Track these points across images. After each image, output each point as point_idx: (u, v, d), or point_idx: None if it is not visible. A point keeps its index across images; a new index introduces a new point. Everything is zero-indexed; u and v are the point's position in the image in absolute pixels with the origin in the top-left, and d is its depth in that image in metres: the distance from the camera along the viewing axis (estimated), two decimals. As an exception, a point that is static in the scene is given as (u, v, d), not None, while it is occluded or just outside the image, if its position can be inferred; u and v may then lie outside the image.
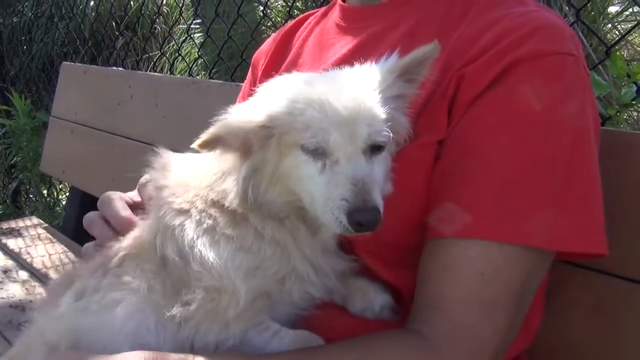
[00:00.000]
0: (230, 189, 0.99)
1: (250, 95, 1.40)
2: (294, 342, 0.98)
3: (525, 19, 1.02)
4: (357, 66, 1.03)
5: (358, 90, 0.96)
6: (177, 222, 1.00)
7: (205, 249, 0.96)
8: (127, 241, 1.06)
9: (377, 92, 0.97)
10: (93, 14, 5.21)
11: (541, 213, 0.96)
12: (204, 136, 0.94)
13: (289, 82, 1.03)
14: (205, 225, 0.98)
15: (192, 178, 1.06)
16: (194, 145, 0.95)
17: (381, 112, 0.95)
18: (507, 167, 0.97)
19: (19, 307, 2.17)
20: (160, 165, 1.12)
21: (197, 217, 0.99)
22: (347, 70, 1.03)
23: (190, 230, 0.98)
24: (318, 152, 0.92)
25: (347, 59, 1.10)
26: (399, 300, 1.08)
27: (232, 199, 0.99)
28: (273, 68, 1.40)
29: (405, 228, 1.04)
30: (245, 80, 1.55)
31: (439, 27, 1.11)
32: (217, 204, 1.00)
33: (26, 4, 6.13)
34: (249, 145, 0.97)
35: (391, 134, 0.95)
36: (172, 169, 1.10)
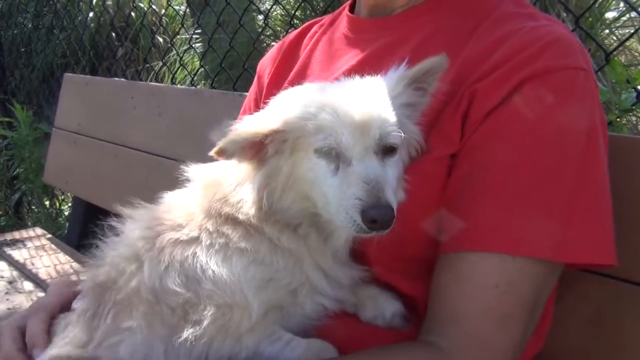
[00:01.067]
0: (246, 198, 1.01)
1: (257, 105, 1.42)
2: (306, 351, 0.99)
3: (537, 34, 1.04)
4: (367, 77, 1.05)
5: (369, 95, 0.98)
6: (189, 252, 1.00)
7: (218, 267, 0.98)
8: (115, 294, 1.05)
9: (388, 99, 0.99)
10: (93, 25, 5.22)
11: (553, 225, 0.97)
12: (220, 143, 0.96)
13: (302, 91, 1.05)
14: (217, 247, 1.00)
15: (196, 201, 1.07)
16: (212, 152, 0.97)
17: (392, 116, 0.97)
18: (519, 181, 0.98)
19: (25, 318, 2.17)
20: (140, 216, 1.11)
21: (208, 242, 1.00)
22: (357, 79, 1.05)
23: (202, 256, 0.99)
24: (331, 155, 0.95)
25: (356, 71, 1.11)
26: (412, 308, 1.10)
27: (248, 209, 1.00)
28: (279, 77, 1.42)
29: (419, 240, 1.06)
30: (250, 90, 1.56)
31: (448, 41, 1.12)
32: (230, 218, 1.02)
33: (26, 15, 6.15)
34: (264, 152, 0.99)
35: (402, 134, 0.97)
36: (162, 209, 1.10)
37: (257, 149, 0.99)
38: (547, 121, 0.99)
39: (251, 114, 1.41)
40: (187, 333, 0.96)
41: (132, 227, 1.10)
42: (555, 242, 0.97)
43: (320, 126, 0.94)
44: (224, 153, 0.97)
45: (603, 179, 1.02)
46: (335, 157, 0.95)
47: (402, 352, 1.01)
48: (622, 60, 3.71)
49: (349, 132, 0.94)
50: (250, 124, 1.00)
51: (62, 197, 5.05)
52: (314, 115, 0.95)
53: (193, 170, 1.11)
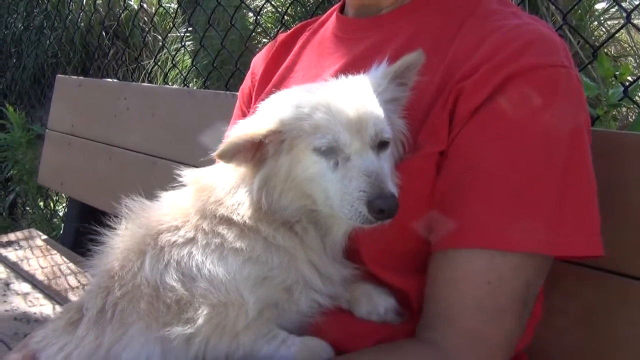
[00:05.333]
0: (242, 201, 1.03)
1: (250, 102, 1.43)
2: (301, 349, 1.01)
3: (519, 31, 1.06)
4: (351, 76, 1.08)
5: (358, 93, 1.02)
6: (184, 251, 1.03)
7: (214, 266, 1.00)
8: (118, 291, 1.07)
9: (375, 95, 1.02)
10: (84, 24, 5.21)
11: (541, 220, 1.00)
12: (222, 146, 0.99)
13: (291, 93, 1.08)
14: (213, 246, 1.02)
15: (191, 203, 1.09)
16: (214, 156, 1.00)
17: (382, 112, 1.01)
18: (507, 179, 1.01)
19: (24, 320, 2.18)
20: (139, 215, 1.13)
21: (204, 242, 1.03)
22: (343, 79, 1.08)
23: (198, 255, 1.02)
24: (329, 152, 0.97)
25: (345, 70, 1.14)
26: (405, 303, 1.12)
27: (245, 211, 1.03)
28: (269, 74, 1.44)
29: (410, 236, 1.08)
30: (243, 85, 1.58)
31: (435, 38, 1.15)
32: (225, 219, 1.04)
33: (16, 16, 6.13)
34: (263, 153, 1.01)
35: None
36: (161, 210, 1.12)
37: (255, 151, 1.01)
38: (532, 119, 1.02)
39: (247, 108, 1.44)
40: (177, 330, 0.99)
41: (136, 222, 1.13)
42: (545, 236, 1.00)
43: (316, 125, 0.97)
44: (224, 156, 1.00)
45: (589, 172, 1.05)
46: (333, 153, 0.97)
47: (403, 350, 1.04)
48: (612, 52, 3.72)
49: (346, 129, 0.97)
50: (247, 127, 1.02)
51: (57, 197, 5.04)
52: (308, 115, 0.98)
53: (187, 174, 1.13)
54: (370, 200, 0.93)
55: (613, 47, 3.85)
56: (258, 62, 1.54)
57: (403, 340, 1.07)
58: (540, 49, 1.04)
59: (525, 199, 1.01)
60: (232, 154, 1.00)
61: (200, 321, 0.98)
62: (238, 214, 1.03)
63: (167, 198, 1.15)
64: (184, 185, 1.14)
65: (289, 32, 1.54)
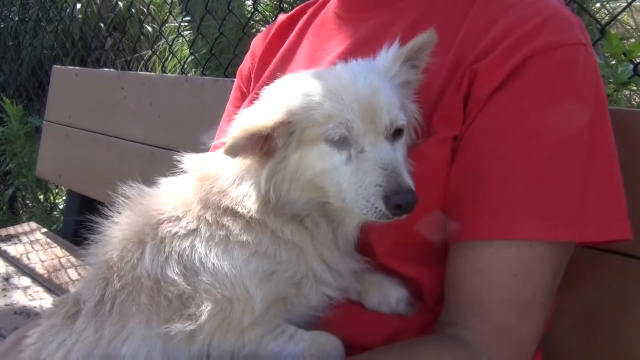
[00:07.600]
0: (248, 194, 0.98)
1: (249, 83, 1.39)
2: (310, 345, 0.97)
3: (533, 9, 1.02)
4: (362, 59, 1.03)
5: (370, 79, 0.96)
6: (186, 244, 0.98)
7: (218, 260, 0.95)
8: (117, 283, 1.02)
9: (388, 81, 0.97)
10: (81, 16, 5.17)
11: (568, 206, 0.96)
12: (229, 142, 0.93)
13: (298, 80, 1.02)
14: (217, 239, 0.97)
15: (193, 192, 1.04)
16: (222, 153, 0.94)
17: (396, 98, 0.96)
18: (529, 166, 0.97)
19: (24, 314, 2.16)
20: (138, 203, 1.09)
21: (208, 234, 0.98)
22: (353, 63, 1.03)
23: (202, 248, 0.97)
24: (342, 143, 0.92)
25: (351, 52, 1.09)
26: (417, 294, 1.08)
27: (251, 204, 0.97)
28: (269, 56, 1.40)
29: (424, 224, 1.03)
30: (242, 64, 1.54)
31: (444, 18, 1.10)
32: (230, 211, 0.99)
33: (13, 8, 6.09)
34: (271, 145, 0.96)
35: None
36: (161, 198, 1.07)
37: (262, 143, 0.96)
38: (552, 102, 0.97)
39: (247, 89, 1.40)
40: (178, 327, 0.95)
41: (135, 211, 1.08)
42: (571, 222, 0.96)
43: (328, 115, 0.92)
44: (231, 152, 0.94)
45: (613, 153, 1.01)
46: (346, 145, 0.93)
47: (427, 348, 1.00)
48: (615, 34, 3.69)
49: (359, 119, 0.92)
50: (252, 119, 0.96)
51: (57, 190, 5.03)
52: (319, 104, 0.93)
53: (188, 161, 1.08)
54: (387, 195, 0.88)
55: (616, 29, 3.82)
56: (258, 44, 1.50)
57: (425, 337, 1.03)
58: (557, 27, 1.00)
59: (548, 185, 0.96)
60: (238, 150, 0.94)
61: (203, 318, 0.94)
62: (244, 206, 0.98)
63: (167, 186, 1.10)
64: (184, 172, 1.09)
65: (289, 14, 1.50)
